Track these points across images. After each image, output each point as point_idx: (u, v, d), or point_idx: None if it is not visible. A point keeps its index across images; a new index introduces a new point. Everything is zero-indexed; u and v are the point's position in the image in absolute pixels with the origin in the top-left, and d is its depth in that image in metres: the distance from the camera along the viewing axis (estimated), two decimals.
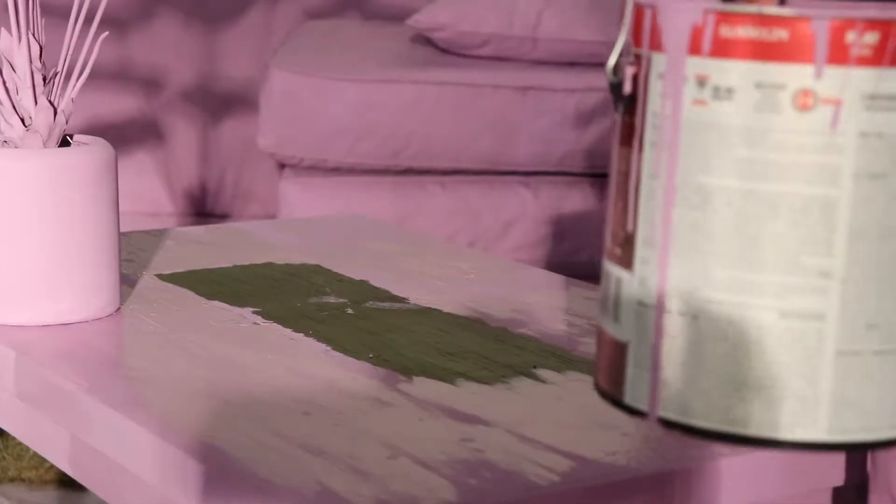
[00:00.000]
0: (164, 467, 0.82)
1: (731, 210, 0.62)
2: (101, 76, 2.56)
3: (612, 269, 0.66)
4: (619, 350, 0.66)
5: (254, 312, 1.08)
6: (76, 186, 1.01)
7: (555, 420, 0.87)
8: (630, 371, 0.66)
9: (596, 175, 2.28)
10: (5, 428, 1.00)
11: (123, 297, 1.10)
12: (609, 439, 0.84)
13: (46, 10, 2.56)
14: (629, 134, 0.65)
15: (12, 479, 1.94)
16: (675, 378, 0.64)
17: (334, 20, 2.70)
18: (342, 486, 0.75)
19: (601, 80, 2.12)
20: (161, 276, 1.17)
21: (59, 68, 1.04)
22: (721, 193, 0.62)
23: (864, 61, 0.60)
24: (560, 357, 0.99)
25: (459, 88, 2.17)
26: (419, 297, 1.13)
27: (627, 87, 0.65)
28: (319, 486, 0.76)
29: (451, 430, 0.84)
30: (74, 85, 1.04)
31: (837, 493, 0.90)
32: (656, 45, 0.63)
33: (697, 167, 0.62)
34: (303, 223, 1.40)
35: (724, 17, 0.61)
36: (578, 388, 0.93)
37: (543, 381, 0.94)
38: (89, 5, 0.93)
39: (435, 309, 1.10)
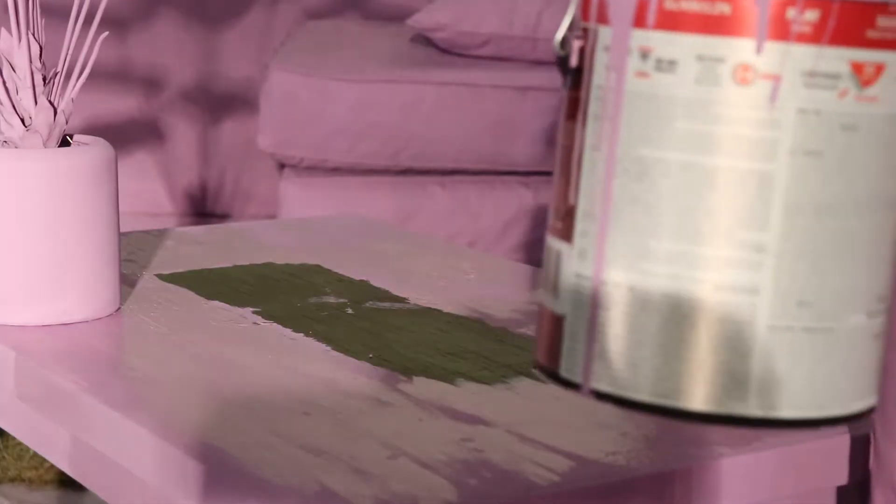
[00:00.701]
0: (164, 467, 0.82)
1: (669, 182, 0.62)
2: (101, 76, 2.56)
3: (553, 242, 0.67)
4: (557, 323, 0.67)
5: (254, 312, 1.08)
6: (76, 186, 1.01)
7: (555, 420, 0.87)
8: (566, 343, 0.66)
9: None
10: (5, 428, 1.00)
11: (123, 297, 1.10)
12: (609, 439, 0.84)
13: (46, 10, 2.56)
14: (574, 107, 0.66)
15: (12, 479, 1.94)
16: (609, 350, 0.64)
17: (334, 20, 2.70)
18: (342, 486, 0.75)
19: None
20: (161, 276, 1.17)
21: (59, 68, 1.04)
22: (660, 165, 0.63)
23: (803, 38, 0.61)
24: None
25: (459, 88, 2.17)
26: (419, 297, 1.13)
27: (574, 61, 0.65)
28: (319, 486, 0.76)
29: (451, 430, 0.84)
30: (74, 85, 1.04)
31: (840, 490, 0.90)
32: (603, 18, 0.64)
33: (638, 139, 0.63)
34: (303, 223, 1.40)
35: None
36: None
37: (543, 381, 0.94)
38: (89, 5, 0.93)
39: (435, 309, 1.10)
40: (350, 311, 1.09)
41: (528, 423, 0.86)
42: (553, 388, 0.92)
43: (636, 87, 0.63)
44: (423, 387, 0.92)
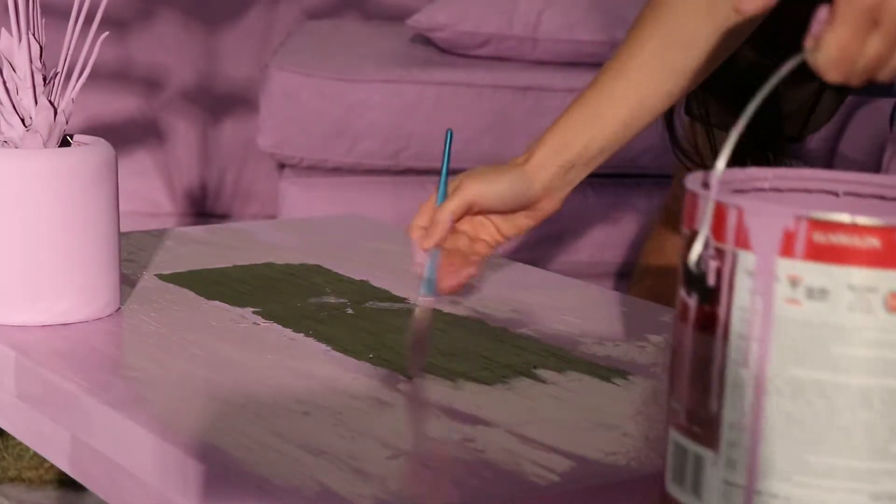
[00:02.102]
0: (164, 467, 0.82)
1: (824, 401, 0.64)
2: (101, 76, 2.56)
3: (689, 445, 0.68)
4: None
5: (254, 312, 1.08)
6: (76, 186, 1.01)
7: (555, 420, 0.87)
8: None
9: (595, 175, 2.28)
10: (5, 428, 1.00)
11: (123, 297, 1.10)
12: (609, 439, 0.84)
13: (46, 10, 2.56)
14: (711, 322, 0.67)
15: (12, 479, 1.94)
16: None
17: (334, 20, 2.70)
18: (342, 486, 0.75)
19: None
20: (161, 276, 1.17)
21: (59, 68, 1.04)
22: (814, 386, 0.64)
23: None
24: (560, 357, 0.99)
25: (459, 88, 2.17)
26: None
27: (711, 280, 0.66)
28: (319, 486, 0.76)
29: (451, 430, 0.84)
30: (74, 85, 1.04)
31: None
32: (743, 243, 0.65)
33: (790, 361, 0.64)
34: (303, 223, 1.40)
35: (817, 225, 0.63)
36: (578, 388, 0.93)
37: (543, 381, 0.94)
38: (89, 5, 0.93)
39: (435, 309, 1.10)
40: (350, 311, 1.09)
41: (528, 423, 0.86)
42: (553, 388, 0.92)
43: (786, 313, 0.64)
44: (423, 387, 0.92)
